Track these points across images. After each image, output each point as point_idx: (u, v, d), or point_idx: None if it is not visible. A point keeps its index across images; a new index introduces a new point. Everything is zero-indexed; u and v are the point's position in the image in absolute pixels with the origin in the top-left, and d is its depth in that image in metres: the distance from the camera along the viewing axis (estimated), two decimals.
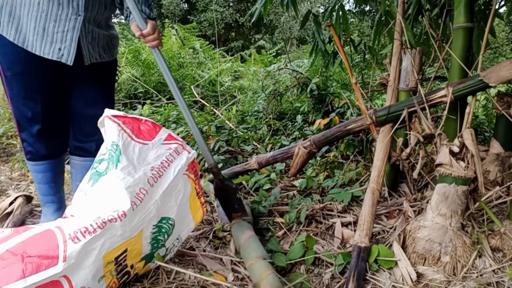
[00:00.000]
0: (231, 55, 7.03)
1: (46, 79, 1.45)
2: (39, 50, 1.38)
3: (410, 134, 1.70)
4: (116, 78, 1.77)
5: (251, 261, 1.29)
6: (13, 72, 1.41)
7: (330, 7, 2.35)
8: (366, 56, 3.16)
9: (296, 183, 2.21)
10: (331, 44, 2.51)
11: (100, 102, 1.56)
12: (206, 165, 2.43)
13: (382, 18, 2.26)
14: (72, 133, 1.63)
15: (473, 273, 1.37)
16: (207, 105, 3.68)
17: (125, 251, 1.17)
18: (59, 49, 1.39)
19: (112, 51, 1.61)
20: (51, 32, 1.37)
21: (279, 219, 1.71)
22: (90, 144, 1.63)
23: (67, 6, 1.36)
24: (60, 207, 1.65)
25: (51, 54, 1.39)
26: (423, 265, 1.40)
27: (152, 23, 1.47)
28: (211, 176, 2.34)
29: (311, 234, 1.57)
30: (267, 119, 3.35)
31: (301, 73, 3.34)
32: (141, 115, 1.58)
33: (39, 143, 1.53)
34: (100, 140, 1.53)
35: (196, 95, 3.88)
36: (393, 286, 1.32)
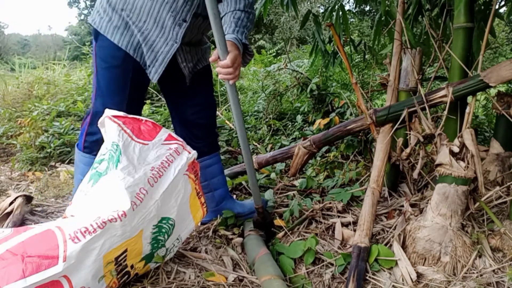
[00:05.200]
0: None
1: (136, 79, 1.49)
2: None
3: (410, 134, 1.70)
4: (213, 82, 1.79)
5: (269, 277, 1.28)
6: (106, 65, 1.46)
7: (330, 7, 2.36)
8: (366, 56, 3.16)
9: (296, 183, 2.21)
10: (331, 44, 2.52)
11: (203, 107, 1.66)
12: None
13: (382, 18, 2.26)
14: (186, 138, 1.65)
15: (473, 273, 1.37)
16: None
17: (125, 251, 1.17)
18: (148, 66, 1.45)
19: (207, 58, 1.65)
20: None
21: (280, 222, 1.71)
22: (201, 145, 1.66)
23: (169, 32, 1.41)
24: None
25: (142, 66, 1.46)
26: (423, 265, 1.40)
27: (234, 54, 1.29)
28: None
29: (311, 234, 1.57)
30: (267, 119, 3.35)
31: (301, 73, 3.34)
32: (141, 115, 1.58)
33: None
34: (213, 144, 1.74)
35: None
36: (393, 286, 1.32)
